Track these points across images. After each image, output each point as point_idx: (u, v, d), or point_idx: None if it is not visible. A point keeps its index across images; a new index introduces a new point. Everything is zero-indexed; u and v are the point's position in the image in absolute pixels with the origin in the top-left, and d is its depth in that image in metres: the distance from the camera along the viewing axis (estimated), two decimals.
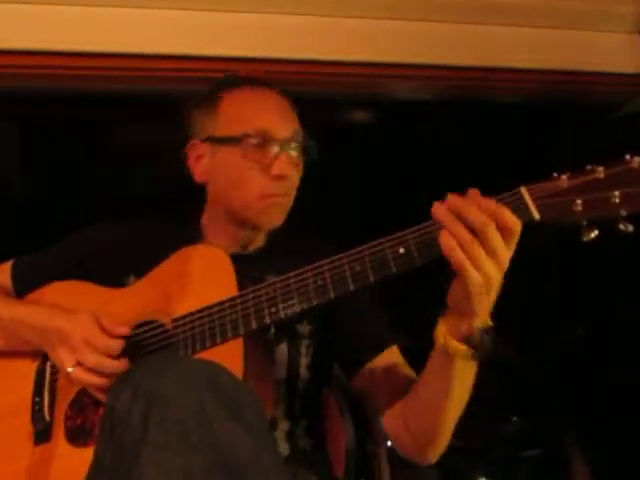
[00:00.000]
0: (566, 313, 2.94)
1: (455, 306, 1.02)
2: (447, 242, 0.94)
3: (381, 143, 2.81)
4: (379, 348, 1.28)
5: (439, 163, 2.82)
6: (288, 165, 1.27)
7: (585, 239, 0.97)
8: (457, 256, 0.94)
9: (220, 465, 0.83)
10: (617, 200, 0.94)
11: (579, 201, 0.95)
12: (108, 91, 2.26)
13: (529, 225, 0.97)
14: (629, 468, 2.46)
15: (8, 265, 1.42)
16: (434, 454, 1.20)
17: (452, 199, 0.95)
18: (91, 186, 2.76)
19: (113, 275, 1.31)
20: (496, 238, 0.93)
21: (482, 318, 1.01)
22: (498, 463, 2.74)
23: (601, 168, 0.96)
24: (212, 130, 1.31)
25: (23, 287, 1.37)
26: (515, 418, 2.75)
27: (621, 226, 0.95)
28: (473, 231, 0.93)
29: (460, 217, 0.94)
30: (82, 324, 1.12)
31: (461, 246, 0.94)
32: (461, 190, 0.99)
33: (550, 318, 2.89)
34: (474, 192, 0.97)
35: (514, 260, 0.98)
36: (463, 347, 1.03)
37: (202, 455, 0.83)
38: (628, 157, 0.95)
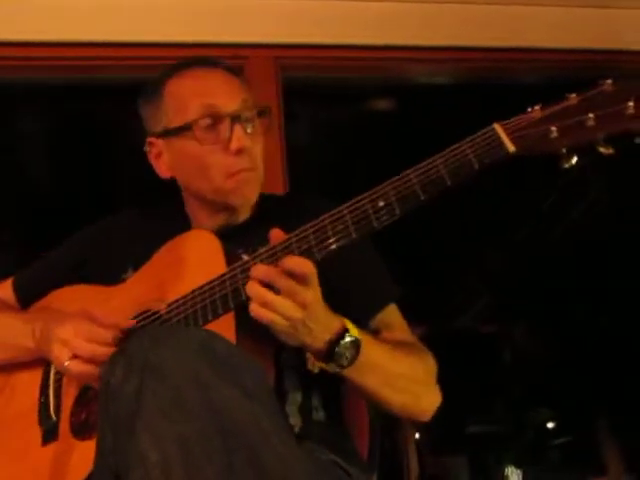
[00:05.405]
0: (597, 303, 2.86)
1: None
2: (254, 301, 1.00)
3: (400, 129, 2.78)
4: (367, 316, 1.24)
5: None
6: (245, 137, 1.24)
7: (566, 166, 0.96)
8: (255, 310, 0.99)
9: (217, 430, 0.82)
10: (592, 123, 0.93)
11: (554, 128, 0.95)
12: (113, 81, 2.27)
13: (507, 159, 0.97)
14: None
15: (9, 281, 1.44)
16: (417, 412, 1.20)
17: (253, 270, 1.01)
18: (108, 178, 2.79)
19: (113, 271, 1.33)
20: (287, 282, 0.98)
21: (316, 343, 1.03)
22: (528, 451, 2.67)
23: (574, 95, 0.96)
24: (163, 124, 1.29)
25: (27, 299, 1.39)
26: (545, 407, 2.68)
27: (601, 149, 0.94)
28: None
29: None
30: (73, 319, 1.14)
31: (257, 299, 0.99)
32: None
33: (582, 308, 2.82)
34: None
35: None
36: (323, 365, 1.06)
37: (198, 422, 0.82)
38: (600, 81, 0.95)
